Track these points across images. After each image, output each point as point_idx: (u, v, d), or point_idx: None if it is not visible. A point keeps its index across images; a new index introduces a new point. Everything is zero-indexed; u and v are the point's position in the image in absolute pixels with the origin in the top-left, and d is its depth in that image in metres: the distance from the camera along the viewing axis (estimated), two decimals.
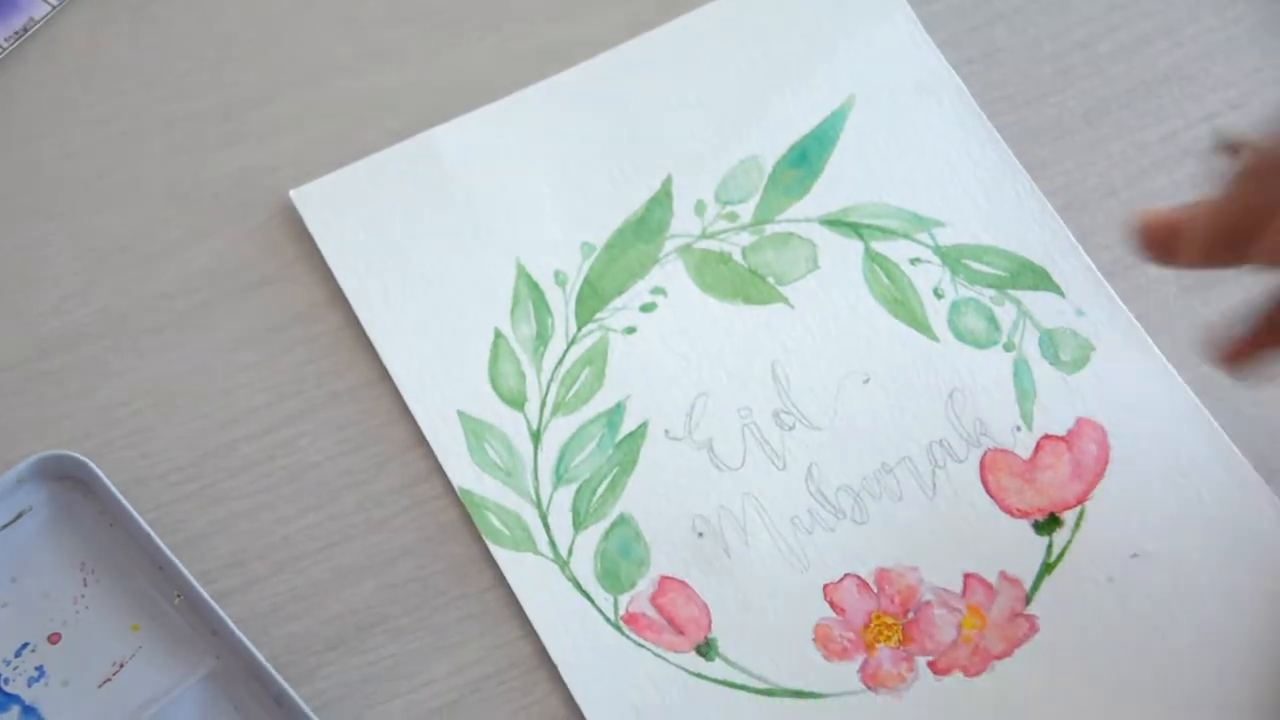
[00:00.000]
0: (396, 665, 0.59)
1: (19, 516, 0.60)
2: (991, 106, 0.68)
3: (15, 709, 0.57)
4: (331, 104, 0.67)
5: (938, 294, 0.65)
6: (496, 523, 0.61)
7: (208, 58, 0.68)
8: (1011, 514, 0.61)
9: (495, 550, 0.60)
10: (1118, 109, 0.68)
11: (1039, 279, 0.65)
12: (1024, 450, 0.62)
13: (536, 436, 0.62)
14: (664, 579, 0.60)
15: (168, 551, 0.58)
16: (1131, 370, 0.63)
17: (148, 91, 0.67)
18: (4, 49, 0.68)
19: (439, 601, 0.60)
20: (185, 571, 0.58)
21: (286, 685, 0.57)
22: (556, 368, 0.63)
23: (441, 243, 0.65)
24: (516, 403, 0.63)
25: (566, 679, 0.58)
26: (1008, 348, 0.64)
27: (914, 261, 0.65)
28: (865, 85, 0.68)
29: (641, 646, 0.59)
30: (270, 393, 0.63)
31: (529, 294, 0.64)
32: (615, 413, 0.63)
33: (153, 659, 0.58)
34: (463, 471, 0.61)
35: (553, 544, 0.61)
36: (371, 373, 0.63)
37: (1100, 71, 0.69)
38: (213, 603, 0.58)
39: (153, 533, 0.58)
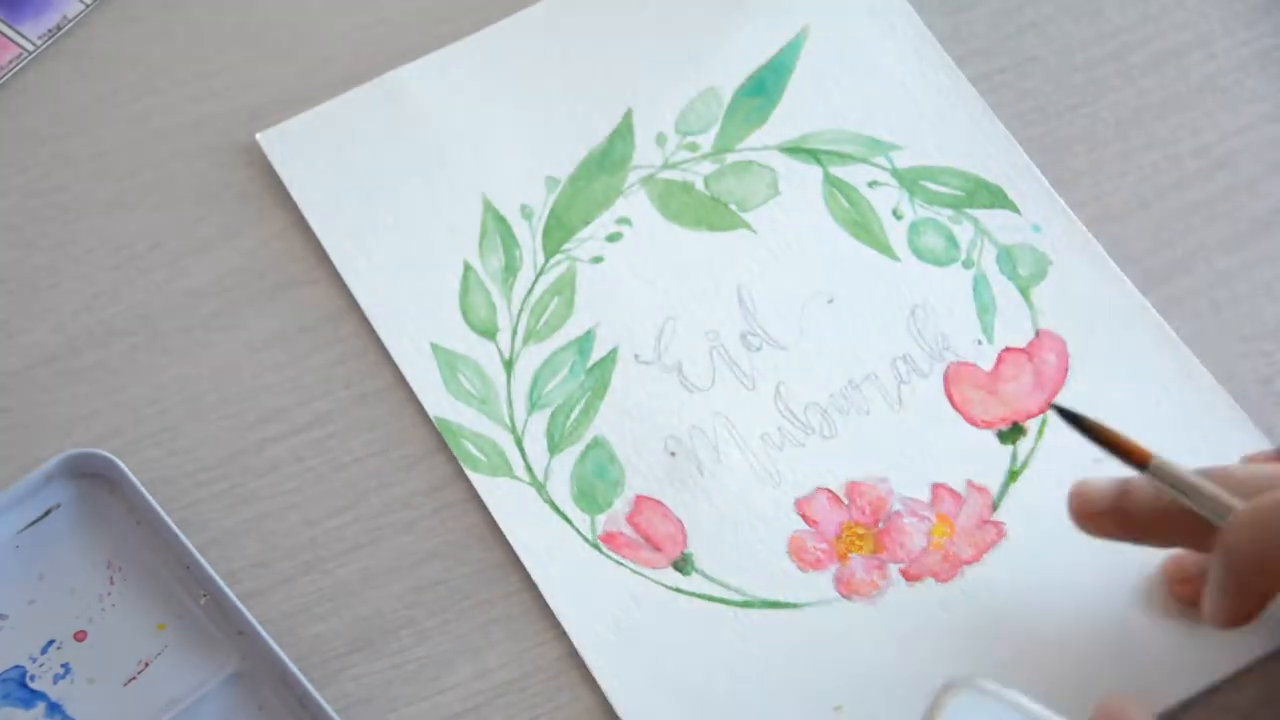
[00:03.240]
0: (422, 669, 0.59)
1: (47, 513, 0.59)
2: (1023, 116, 0.67)
3: (41, 705, 0.57)
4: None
5: (896, 215, 0.66)
6: (473, 449, 0.62)
7: (240, 57, 0.68)
8: (976, 424, 0.63)
9: (473, 476, 0.61)
10: (1150, 120, 0.67)
11: (995, 197, 0.66)
12: (986, 363, 0.64)
13: (509, 365, 0.63)
14: (639, 498, 0.61)
15: (194, 551, 0.58)
16: (1088, 281, 0.64)
17: (179, 90, 0.67)
18: (37, 47, 0.68)
19: (465, 605, 0.60)
20: (211, 571, 0.58)
21: (311, 687, 0.56)
22: (526, 298, 0.64)
23: (409, 181, 0.66)
24: (488, 333, 0.64)
25: (547, 597, 0.59)
26: (967, 264, 0.65)
27: (872, 184, 0.66)
28: (819, 14, 0.69)
29: (620, 564, 0.60)
30: (299, 393, 0.63)
31: (496, 228, 0.65)
32: (585, 340, 0.64)
33: (178, 658, 0.58)
34: (438, 402, 0.62)
35: (529, 468, 0.62)
36: (401, 374, 0.63)
37: (1133, 83, 0.68)
38: (238, 603, 0.58)
39: (179, 532, 0.58)
